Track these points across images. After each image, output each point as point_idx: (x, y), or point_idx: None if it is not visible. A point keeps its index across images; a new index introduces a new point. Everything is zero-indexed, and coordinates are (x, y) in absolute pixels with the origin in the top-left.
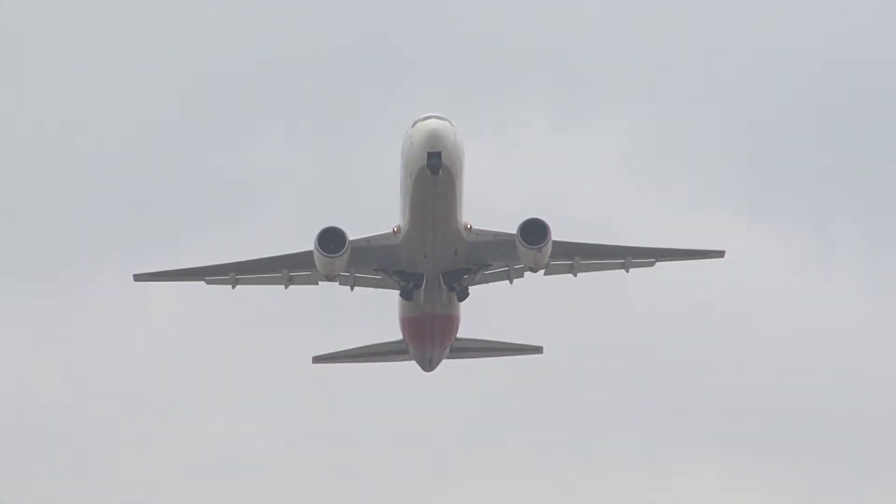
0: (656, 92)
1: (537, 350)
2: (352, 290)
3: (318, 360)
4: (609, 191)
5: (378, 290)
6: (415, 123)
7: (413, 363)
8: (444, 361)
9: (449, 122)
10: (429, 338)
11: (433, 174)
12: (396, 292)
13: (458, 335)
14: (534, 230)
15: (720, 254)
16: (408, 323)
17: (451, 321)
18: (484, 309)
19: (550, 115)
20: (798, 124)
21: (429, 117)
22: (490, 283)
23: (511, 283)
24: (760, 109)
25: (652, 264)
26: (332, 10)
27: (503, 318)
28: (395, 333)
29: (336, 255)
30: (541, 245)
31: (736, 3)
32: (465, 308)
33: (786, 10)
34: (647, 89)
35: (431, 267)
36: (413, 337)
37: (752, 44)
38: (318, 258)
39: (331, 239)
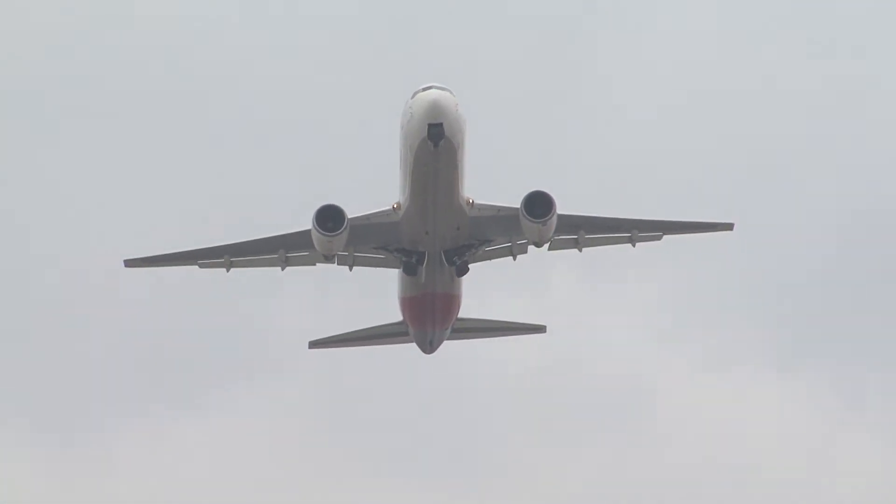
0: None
1: (540, 329)
2: (350, 270)
3: (314, 344)
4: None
5: (377, 269)
6: (414, 94)
7: (413, 346)
8: (446, 343)
9: (450, 92)
10: (430, 318)
11: (434, 147)
12: (396, 272)
13: (460, 315)
14: (538, 203)
15: (729, 226)
16: (408, 303)
17: (452, 300)
18: (486, 287)
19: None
20: (826, 282)
21: (429, 87)
22: (493, 260)
23: (514, 259)
24: (789, 267)
25: (659, 238)
26: None
27: (506, 297)
28: (394, 315)
29: (334, 234)
30: (545, 218)
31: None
32: (466, 287)
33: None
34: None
35: (433, 244)
36: (413, 317)
37: (774, 207)
38: (315, 237)
39: (329, 217)
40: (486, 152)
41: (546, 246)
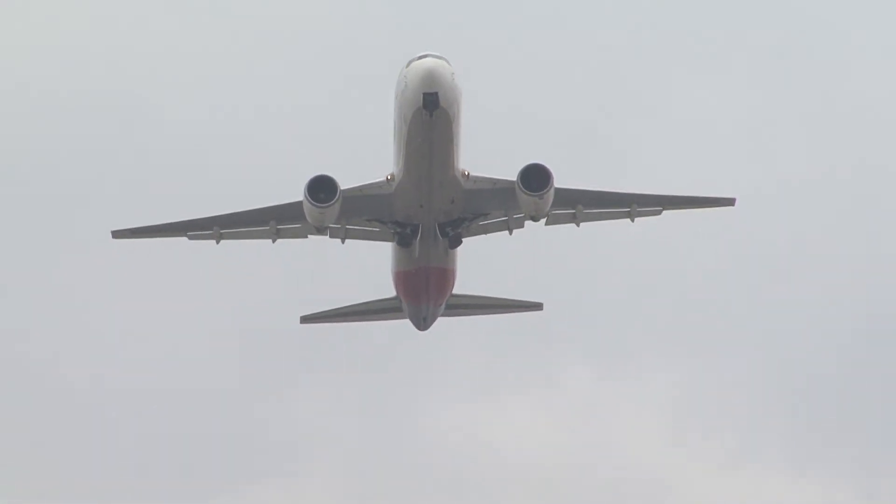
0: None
1: (537, 306)
2: (343, 242)
3: (306, 319)
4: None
5: (370, 242)
6: (409, 63)
7: (407, 322)
8: (440, 320)
9: (446, 60)
10: (424, 293)
11: (429, 116)
12: (389, 246)
13: (454, 291)
14: (535, 176)
15: (731, 201)
16: (402, 278)
17: (446, 275)
18: (481, 262)
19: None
20: (850, 379)
21: (424, 55)
22: (489, 234)
23: (511, 233)
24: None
25: (659, 213)
26: None
27: (502, 272)
28: (387, 290)
29: (327, 205)
30: (542, 192)
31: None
32: (461, 262)
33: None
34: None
35: (427, 217)
36: (407, 292)
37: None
38: (307, 208)
39: (321, 188)
40: (484, 124)
41: (543, 221)
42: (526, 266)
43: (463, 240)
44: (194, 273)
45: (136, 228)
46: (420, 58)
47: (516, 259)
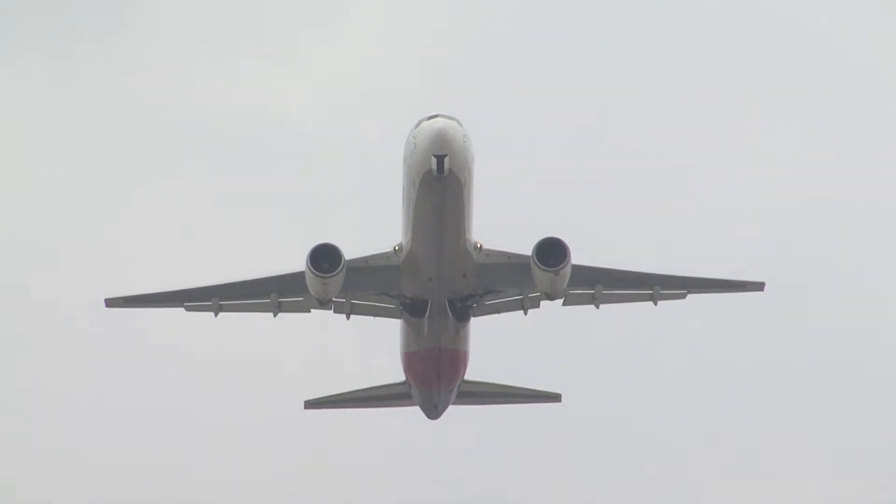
0: None
1: (555, 398)
2: (348, 318)
3: (310, 404)
4: None
5: (379, 321)
6: (418, 123)
7: (417, 409)
8: (451, 408)
9: (458, 122)
10: (434, 376)
11: (439, 181)
12: (398, 325)
13: (467, 377)
14: (551, 251)
15: (759, 286)
16: (411, 359)
17: (458, 357)
18: (496, 346)
19: None
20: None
21: (435, 116)
22: (502, 313)
23: (526, 313)
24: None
25: (683, 296)
26: None
27: (517, 356)
28: (396, 372)
29: (330, 276)
30: (559, 267)
31: None
32: (474, 345)
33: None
34: None
35: (437, 292)
36: (416, 375)
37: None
38: (310, 278)
39: (325, 257)
40: (499, 195)
41: (560, 301)
42: (544, 351)
43: (472, 316)
44: (191, 345)
45: (130, 297)
46: (430, 118)
47: (533, 343)
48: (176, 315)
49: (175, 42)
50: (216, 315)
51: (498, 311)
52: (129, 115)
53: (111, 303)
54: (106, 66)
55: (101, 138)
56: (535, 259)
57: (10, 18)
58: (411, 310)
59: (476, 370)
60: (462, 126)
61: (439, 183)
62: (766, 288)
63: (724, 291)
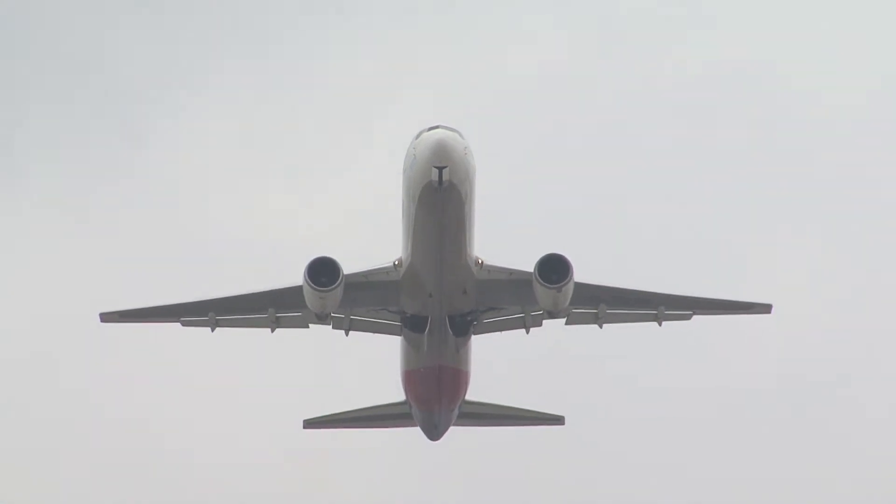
0: None
1: (558, 420)
2: (347, 334)
3: (309, 424)
4: None
5: (378, 336)
6: (418, 135)
7: (417, 430)
8: (453, 429)
9: (459, 133)
10: (435, 395)
11: (439, 193)
12: (398, 343)
13: (468, 398)
14: (554, 267)
15: (767, 308)
16: (411, 378)
17: (459, 376)
18: (497, 365)
19: None
20: None
21: (435, 127)
22: (503, 332)
23: (528, 332)
24: None
25: (689, 317)
26: None
27: (519, 376)
28: (396, 392)
29: (328, 290)
30: (561, 284)
31: None
32: (476, 366)
33: None
34: None
35: (437, 308)
36: (417, 394)
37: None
38: (307, 292)
39: (323, 271)
40: (501, 211)
41: (564, 320)
42: (546, 371)
43: (473, 334)
44: (186, 362)
45: (125, 311)
46: (430, 129)
47: (535, 363)
48: (172, 332)
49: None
50: (213, 330)
51: (500, 329)
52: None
53: (106, 317)
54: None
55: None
56: (537, 276)
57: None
58: (411, 326)
59: (477, 391)
60: (463, 138)
61: (439, 195)
62: (772, 310)
63: (730, 313)
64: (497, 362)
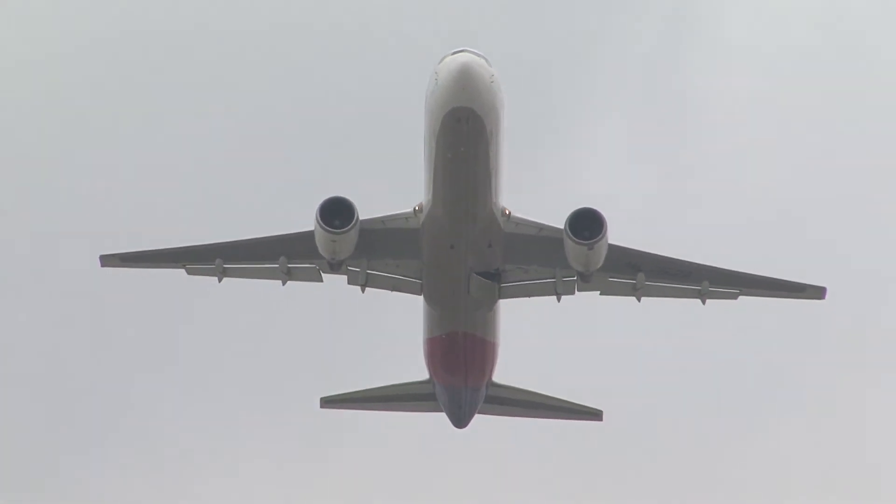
0: None
1: (596, 415)
2: (363, 291)
3: (326, 402)
4: None
5: (396, 294)
6: (442, 59)
7: (442, 416)
8: (478, 418)
9: (486, 59)
10: (459, 367)
11: (463, 123)
12: (421, 310)
13: (497, 380)
14: (586, 223)
15: (819, 292)
16: (433, 346)
17: (485, 347)
18: (529, 345)
19: None
20: None
21: (461, 50)
22: (533, 298)
23: (559, 299)
24: None
25: (735, 296)
26: None
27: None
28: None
29: (341, 232)
30: (594, 241)
31: None
32: (506, 345)
33: None
34: None
35: (459, 263)
36: (439, 366)
37: None
38: (319, 235)
39: (337, 213)
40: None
41: (598, 291)
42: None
43: (499, 297)
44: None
45: (126, 254)
46: (455, 53)
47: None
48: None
49: None
50: (220, 280)
51: (528, 294)
52: None
53: (106, 261)
54: None
55: None
56: (568, 231)
57: None
58: (431, 284)
59: (507, 375)
60: (491, 66)
61: (461, 127)
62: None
63: (780, 295)
64: (529, 339)
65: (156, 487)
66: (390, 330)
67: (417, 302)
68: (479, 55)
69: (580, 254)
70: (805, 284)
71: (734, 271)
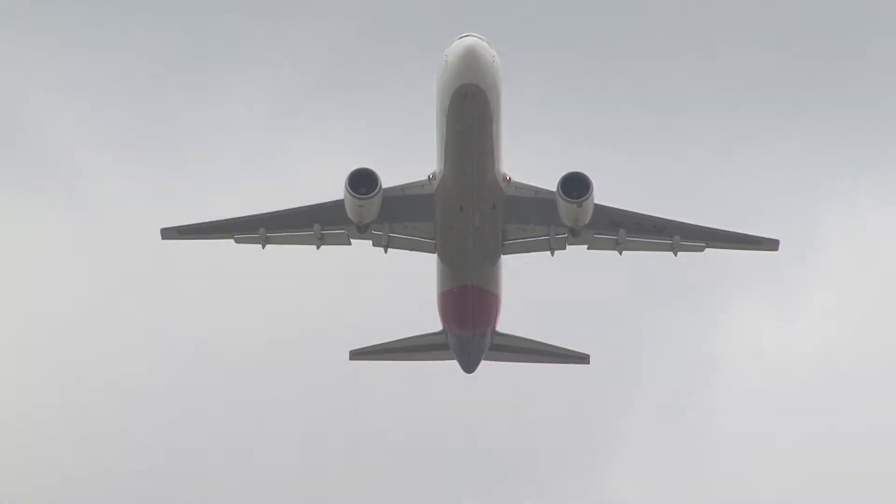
0: None
1: (583, 359)
2: (385, 251)
3: (355, 355)
4: None
5: (414, 253)
6: (450, 43)
7: (454, 363)
8: (484, 364)
9: (488, 43)
10: (468, 315)
11: (470, 98)
12: (434, 268)
13: (499, 329)
14: (576, 185)
15: (774, 244)
16: (446, 299)
17: (490, 298)
18: (527, 297)
19: None
20: None
21: (466, 35)
22: (530, 253)
23: (552, 254)
24: None
25: (702, 249)
26: None
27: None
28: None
29: (367, 197)
30: (582, 199)
31: None
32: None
33: None
34: None
35: (467, 223)
36: (451, 316)
37: None
38: (348, 201)
39: (362, 182)
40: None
41: (586, 246)
42: (572, 304)
43: (501, 253)
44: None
45: (182, 227)
46: (461, 37)
47: (561, 294)
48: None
49: None
50: (263, 247)
51: (526, 251)
52: None
53: (166, 234)
54: None
55: None
56: (560, 191)
57: None
58: (444, 242)
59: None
60: (492, 48)
61: (468, 101)
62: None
63: (739, 247)
64: (527, 295)
65: None
66: (406, 288)
67: (430, 262)
68: (481, 38)
69: (571, 211)
70: (761, 238)
71: (701, 226)
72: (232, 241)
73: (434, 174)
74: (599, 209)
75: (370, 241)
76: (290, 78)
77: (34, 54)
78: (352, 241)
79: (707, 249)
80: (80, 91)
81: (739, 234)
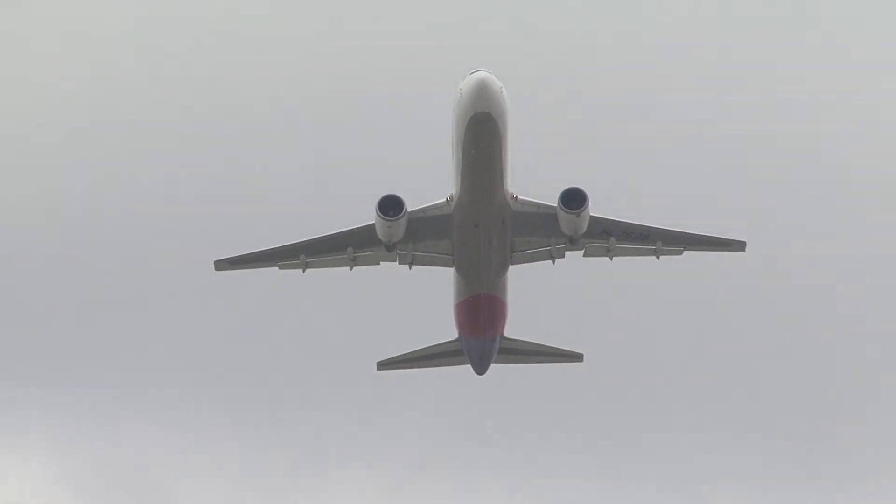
0: None
1: (577, 357)
2: (410, 268)
3: (382, 365)
4: None
5: (435, 269)
6: (465, 78)
7: (467, 367)
8: (494, 366)
9: (495, 76)
10: (482, 322)
11: (482, 125)
12: (452, 281)
13: (507, 335)
14: (573, 199)
15: (741, 245)
16: (461, 308)
17: (499, 305)
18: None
19: None
20: None
21: (477, 70)
22: (536, 262)
23: (553, 262)
24: None
25: (680, 252)
26: None
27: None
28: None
29: (395, 219)
30: (580, 210)
31: None
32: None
33: None
34: None
35: (481, 238)
36: (465, 323)
37: None
38: (378, 223)
39: (390, 206)
40: (528, 155)
41: (582, 253)
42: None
43: (509, 263)
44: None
45: (233, 258)
46: (473, 72)
47: (561, 303)
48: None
49: None
50: (304, 271)
51: (531, 260)
52: None
53: (219, 265)
54: None
55: None
56: (561, 203)
57: None
58: (461, 257)
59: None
60: (499, 80)
61: (481, 127)
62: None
63: (710, 249)
64: (533, 297)
65: None
66: (422, 304)
67: (447, 276)
68: (490, 73)
69: (570, 221)
70: (729, 240)
71: (679, 231)
72: (276, 268)
73: (451, 196)
74: (594, 220)
75: (396, 261)
76: None
77: None
78: (380, 262)
79: (685, 252)
80: None
81: (709, 237)
